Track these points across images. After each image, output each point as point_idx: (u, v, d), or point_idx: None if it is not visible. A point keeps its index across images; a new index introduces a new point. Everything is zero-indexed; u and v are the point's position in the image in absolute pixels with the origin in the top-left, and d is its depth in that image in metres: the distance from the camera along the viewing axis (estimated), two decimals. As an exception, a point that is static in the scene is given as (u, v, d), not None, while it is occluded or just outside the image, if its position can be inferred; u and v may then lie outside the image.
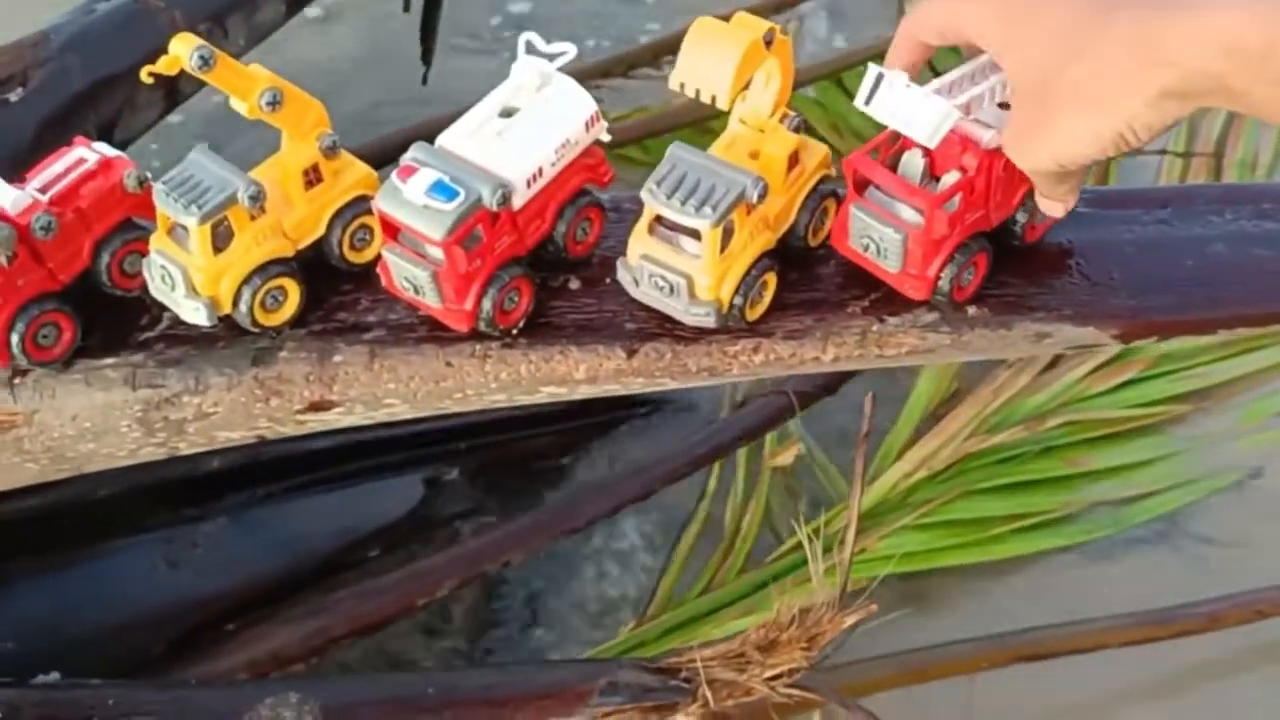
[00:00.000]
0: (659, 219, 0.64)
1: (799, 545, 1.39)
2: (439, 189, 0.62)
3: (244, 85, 0.64)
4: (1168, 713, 1.37)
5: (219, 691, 0.95)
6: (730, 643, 0.94)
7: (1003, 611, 1.44)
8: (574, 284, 0.70)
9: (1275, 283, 0.65)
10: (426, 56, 1.74)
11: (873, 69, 0.59)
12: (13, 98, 1.14)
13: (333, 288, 0.71)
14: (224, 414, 0.71)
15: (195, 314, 0.66)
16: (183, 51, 0.61)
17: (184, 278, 0.66)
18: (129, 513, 1.30)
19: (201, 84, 1.28)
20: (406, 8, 1.56)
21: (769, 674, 0.94)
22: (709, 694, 0.92)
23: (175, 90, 1.27)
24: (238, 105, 0.65)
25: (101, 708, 0.92)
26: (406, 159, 0.63)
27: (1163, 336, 0.66)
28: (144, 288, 0.70)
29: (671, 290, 0.64)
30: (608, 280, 0.70)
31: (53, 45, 1.20)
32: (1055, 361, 1.68)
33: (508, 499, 1.48)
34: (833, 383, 1.48)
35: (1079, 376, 1.67)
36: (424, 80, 1.76)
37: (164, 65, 0.61)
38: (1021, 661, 1.33)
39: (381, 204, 0.63)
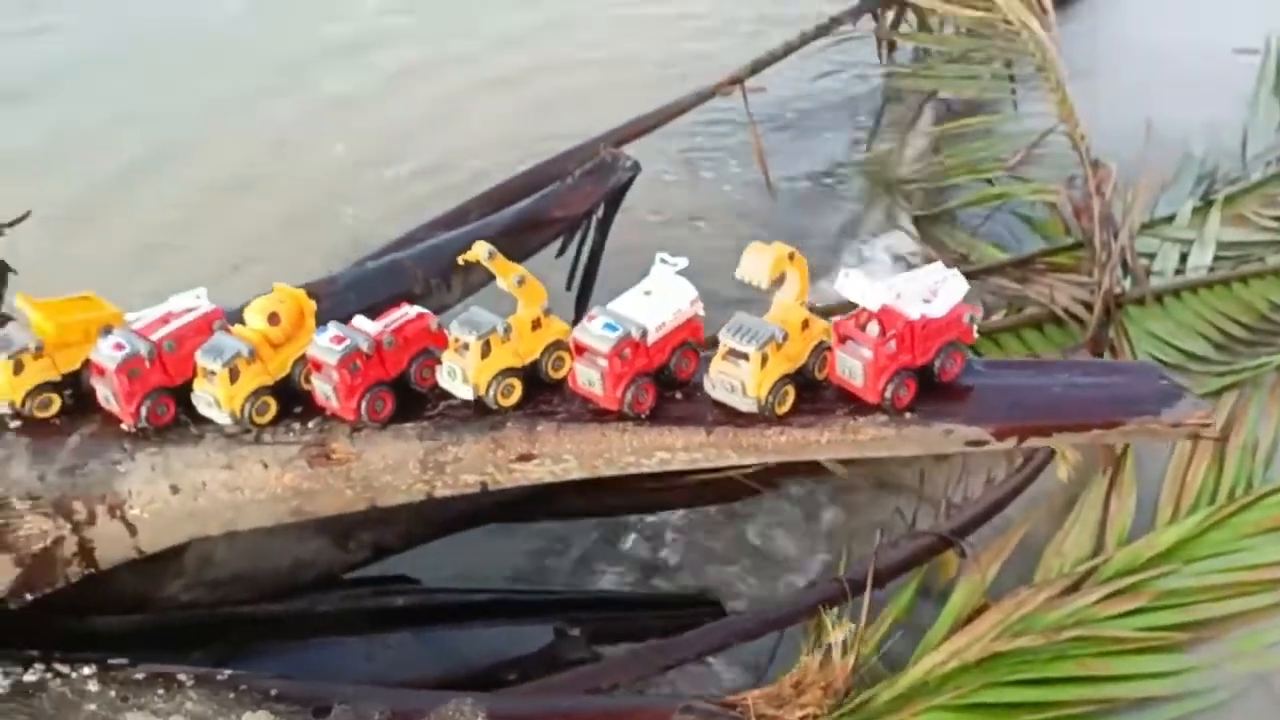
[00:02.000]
0: (729, 350, 1.20)
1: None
2: (608, 326, 1.20)
3: (506, 271, 1.25)
4: None
5: (421, 694, 1.43)
6: (772, 687, 1.40)
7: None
8: (679, 395, 1.26)
9: (1085, 408, 1.17)
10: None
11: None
12: (313, 315, 1.76)
13: (539, 391, 1.28)
14: (469, 460, 1.27)
15: (466, 393, 1.24)
16: (480, 251, 1.22)
17: (462, 374, 1.24)
18: (343, 622, 1.83)
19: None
20: (569, 286, 2.20)
21: (800, 713, 1.38)
22: (755, 725, 1.37)
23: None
24: (501, 283, 1.25)
25: (341, 694, 1.41)
26: (591, 312, 1.22)
27: (1021, 438, 1.17)
28: (433, 386, 1.28)
29: (733, 390, 1.19)
30: (698, 394, 1.25)
31: (338, 285, 1.88)
32: (1075, 586, 2.11)
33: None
34: (880, 580, 1.95)
35: (1092, 601, 2.09)
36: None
37: (471, 255, 1.22)
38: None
39: (577, 334, 1.22)
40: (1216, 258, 2.81)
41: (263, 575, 1.78)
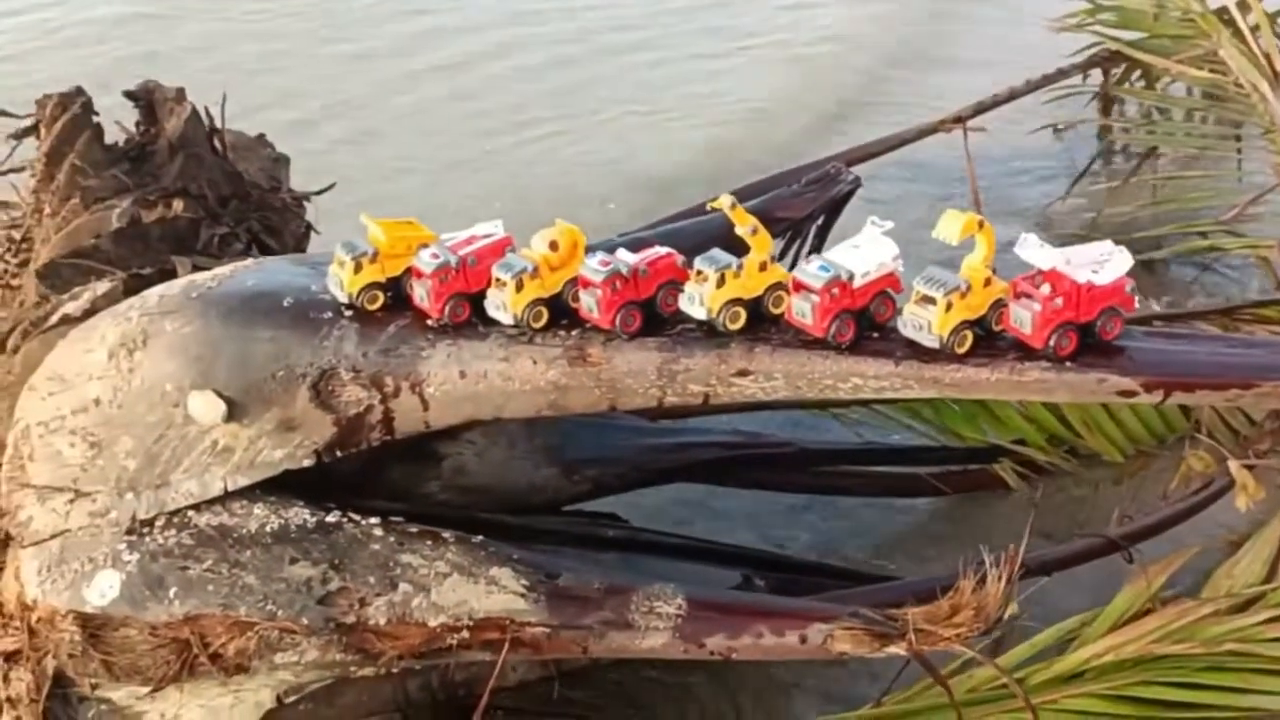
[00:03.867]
0: (921, 295, 1.51)
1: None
2: (822, 268, 1.53)
3: (743, 220, 1.59)
4: None
5: (631, 576, 1.77)
6: (931, 606, 1.67)
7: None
8: (875, 335, 1.57)
9: (1226, 371, 1.43)
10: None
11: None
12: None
13: (759, 324, 1.62)
14: (696, 373, 1.61)
15: (701, 314, 1.60)
16: (725, 200, 1.58)
17: (699, 298, 1.59)
18: (561, 540, 2.19)
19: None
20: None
21: (954, 631, 1.65)
22: (913, 636, 1.64)
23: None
24: (738, 230, 1.60)
25: (567, 565, 1.76)
26: (809, 258, 1.55)
27: (1166, 392, 1.44)
28: (675, 312, 1.64)
29: (920, 329, 1.50)
30: (893, 335, 1.56)
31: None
32: (1242, 607, 2.28)
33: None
34: (1047, 569, 2.20)
35: (1256, 621, 2.26)
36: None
37: (717, 204, 1.58)
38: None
39: (795, 273, 1.56)
40: None
41: (502, 492, 2.17)
